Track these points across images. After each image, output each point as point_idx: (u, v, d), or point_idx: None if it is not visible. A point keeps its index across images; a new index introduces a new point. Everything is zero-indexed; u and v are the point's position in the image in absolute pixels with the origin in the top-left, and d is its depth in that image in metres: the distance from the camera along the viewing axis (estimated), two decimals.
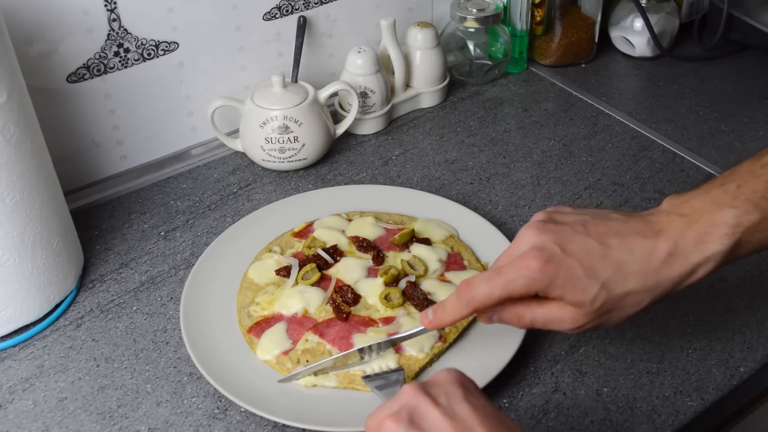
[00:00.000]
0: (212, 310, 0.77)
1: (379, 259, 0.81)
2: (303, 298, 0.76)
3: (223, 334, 0.75)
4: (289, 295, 0.76)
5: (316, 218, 0.87)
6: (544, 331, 0.76)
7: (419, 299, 0.75)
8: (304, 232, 0.85)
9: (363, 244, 0.82)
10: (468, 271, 0.80)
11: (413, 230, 0.84)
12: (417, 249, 0.82)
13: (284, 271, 0.79)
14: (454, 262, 0.81)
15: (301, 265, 0.80)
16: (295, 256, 0.82)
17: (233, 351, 0.73)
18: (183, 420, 0.70)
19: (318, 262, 0.80)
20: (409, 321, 0.74)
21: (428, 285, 0.78)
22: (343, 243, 0.83)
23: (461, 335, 0.74)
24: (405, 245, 0.83)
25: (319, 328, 0.74)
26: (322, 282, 0.78)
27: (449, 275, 0.80)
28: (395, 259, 0.81)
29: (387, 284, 0.77)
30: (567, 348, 0.75)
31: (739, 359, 0.73)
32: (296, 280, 0.78)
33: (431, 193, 0.93)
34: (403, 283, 0.77)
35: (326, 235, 0.83)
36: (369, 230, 0.84)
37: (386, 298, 0.76)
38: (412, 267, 0.79)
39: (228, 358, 0.72)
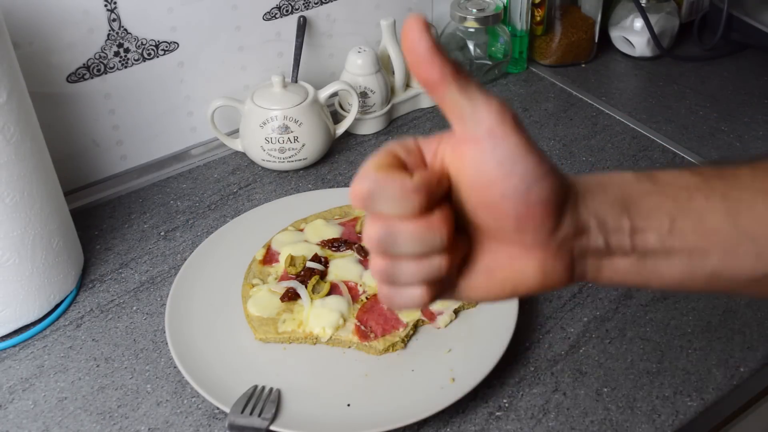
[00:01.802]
0: (200, 318, 0.77)
1: (363, 250, 0.81)
2: (334, 310, 0.75)
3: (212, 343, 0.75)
4: (316, 315, 0.75)
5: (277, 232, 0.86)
6: (543, 331, 0.77)
7: None
8: (268, 257, 0.83)
9: (335, 245, 0.83)
10: None
11: None
12: None
13: (290, 295, 0.77)
14: None
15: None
16: (281, 280, 0.79)
17: (226, 365, 0.73)
18: (183, 420, 0.70)
19: (314, 275, 0.79)
20: None
21: None
22: (317, 250, 0.82)
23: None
24: None
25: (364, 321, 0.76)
26: (330, 290, 0.78)
27: None
28: None
29: None
30: (567, 348, 0.75)
31: (739, 359, 0.73)
32: (310, 297, 0.77)
33: None
34: None
35: (298, 249, 0.82)
36: (328, 231, 0.84)
37: None
38: None
39: (218, 372, 0.72)
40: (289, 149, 0.96)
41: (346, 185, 0.96)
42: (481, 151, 0.41)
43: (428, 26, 0.41)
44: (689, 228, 0.44)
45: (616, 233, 0.44)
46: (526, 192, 0.41)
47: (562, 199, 0.43)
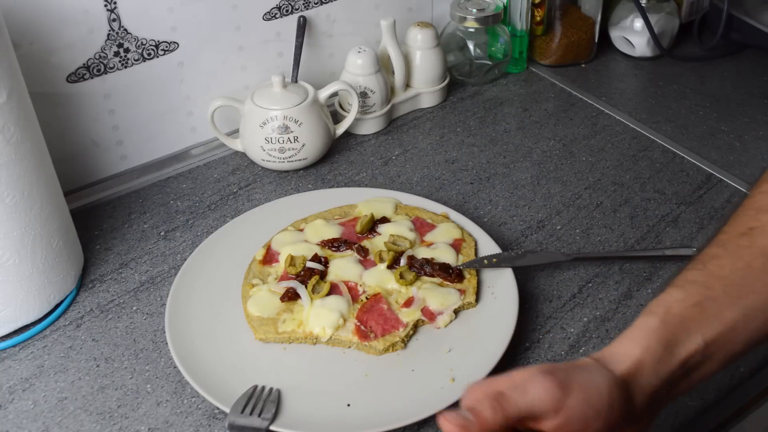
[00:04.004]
0: (200, 317, 0.77)
1: (363, 250, 0.81)
2: (334, 310, 0.75)
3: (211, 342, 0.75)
4: (316, 315, 0.75)
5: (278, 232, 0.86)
6: (543, 331, 0.76)
7: (430, 266, 0.79)
8: (268, 257, 0.83)
9: (335, 245, 0.83)
10: (441, 227, 0.85)
11: (372, 216, 0.85)
12: (386, 228, 0.84)
13: (290, 295, 0.77)
14: (421, 225, 0.85)
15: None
16: (281, 280, 0.79)
17: (228, 365, 0.73)
18: (183, 420, 0.70)
19: (314, 275, 0.79)
20: (428, 293, 0.77)
21: (422, 253, 0.81)
22: (317, 250, 0.82)
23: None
24: (371, 230, 0.85)
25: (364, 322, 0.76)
26: (330, 290, 0.78)
27: (428, 238, 0.84)
28: (375, 245, 0.82)
29: (390, 266, 0.79)
30: (567, 348, 0.75)
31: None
32: (310, 297, 0.77)
33: (422, 195, 0.93)
34: (404, 260, 0.80)
35: (299, 249, 0.82)
36: (329, 231, 0.84)
37: (401, 276, 0.78)
38: (396, 245, 0.81)
39: (218, 370, 0.72)
40: (289, 149, 0.96)
41: (346, 185, 0.96)
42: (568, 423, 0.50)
43: (459, 422, 0.50)
44: (717, 333, 0.53)
45: (672, 374, 0.53)
46: (606, 422, 0.50)
47: (627, 396, 0.51)
